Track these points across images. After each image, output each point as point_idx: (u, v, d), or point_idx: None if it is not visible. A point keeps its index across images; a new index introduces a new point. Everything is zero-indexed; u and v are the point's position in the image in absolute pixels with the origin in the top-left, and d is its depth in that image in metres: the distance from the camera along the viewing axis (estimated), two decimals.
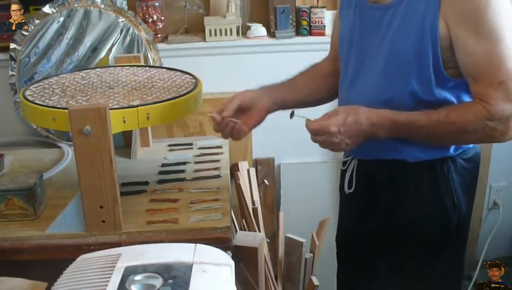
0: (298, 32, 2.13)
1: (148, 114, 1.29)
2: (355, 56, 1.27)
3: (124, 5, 2.03)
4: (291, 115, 1.25)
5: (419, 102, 1.16)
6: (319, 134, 1.16)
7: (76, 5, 1.96)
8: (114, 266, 0.88)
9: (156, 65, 1.95)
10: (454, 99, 1.17)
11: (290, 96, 1.39)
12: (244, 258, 1.44)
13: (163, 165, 1.66)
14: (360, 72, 1.26)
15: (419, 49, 1.13)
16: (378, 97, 1.20)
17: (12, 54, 1.97)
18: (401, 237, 1.27)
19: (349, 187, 1.34)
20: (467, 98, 1.17)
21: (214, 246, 0.97)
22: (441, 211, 1.24)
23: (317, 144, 1.20)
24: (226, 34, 2.07)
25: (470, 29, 1.08)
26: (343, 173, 1.38)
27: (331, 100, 1.46)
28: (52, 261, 1.10)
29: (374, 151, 1.23)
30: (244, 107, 1.32)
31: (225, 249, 1.13)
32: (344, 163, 1.37)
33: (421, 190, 1.24)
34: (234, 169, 2.10)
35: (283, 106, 1.38)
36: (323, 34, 2.10)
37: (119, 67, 1.65)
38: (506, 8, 1.08)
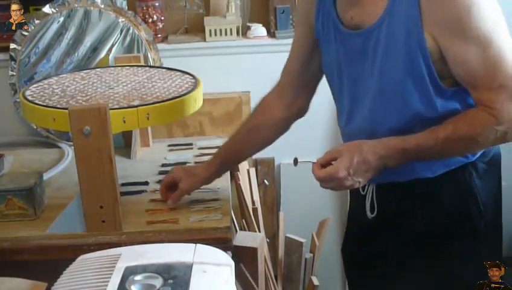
0: None
1: (148, 114, 1.29)
2: (348, 88, 1.22)
3: (124, 5, 2.03)
4: (295, 162, 1.23)
5: (425, 121, 1.11)
6: (328, 181, 1.11)
7: (76, 5, 1.96)
8: (114, 266, 0.88)
9: (155, 65, 1.95)
10: (458, 106, 1.12)
11: (236, 158, 1.49)
12: (244, 258, 1.44)
13: (163, 165, 1.66)
14: (356, 104, 1.20)
15: (411, 68, 1.08)
16: (381, 126, 1.15)
17: (12, 54, 1.97)
18: (429, 252, 1.22)
19: (372, 212, 1.27)
20: (472, 101, 1.13)
21: (214, 246, 0.97)
22: (466, 222, 1.20)
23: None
24: (226, 34, 2.07)
25: (458, 38, 1.04)
26: (360, 199, 1.30)
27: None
28: (52, 261, 1.11)
29: (389, 176, 1.16)
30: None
31: (225, 249, 1.13)
32: (362, 188, 1.28)
33: (444, 203, 1.19)
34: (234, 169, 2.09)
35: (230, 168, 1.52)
36: None
37: (119, 68, 1.65)
38: (489, 10, 1.03)
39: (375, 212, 1.26)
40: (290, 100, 1.37)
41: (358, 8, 1.14)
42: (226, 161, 1.43)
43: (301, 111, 1.40)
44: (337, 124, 1.33)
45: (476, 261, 1.16)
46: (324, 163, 1.12)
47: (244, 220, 1.97)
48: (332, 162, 1.10)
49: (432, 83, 1.09)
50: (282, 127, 1.41)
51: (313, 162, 1.14)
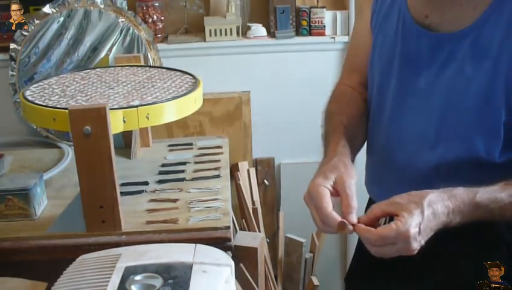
0: (298, 33, 2.13)
1: (148, 114, 1.29)
2: (394, 84, 1.06)
3: (124, 5, 2.03)
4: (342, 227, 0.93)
5: (477, 165, 0.96)
6: (392, 243, 0.85)
7: (76, 5, 1.96)
8: (114, 266, 0.88)
9: (155, 65, 1.95)
10: None
11: (352, 152, 1.07)
12: (244, 258, 1.44)
13: (163, 165, 1.66)
14: (402, 107, 1.04)
15: (488, 95, 0.93)
16: (426, 151, 1.00)
17: (13, 54, 1.97)
18: None
19: None
20: None
21: (214, 246, 0.97)
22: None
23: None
24: (226, 34, 2.07)
25: None
26: None
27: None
28: (52, 261, 1.10)
29: None
30: None
31: (225, 249, 1.13)
32: None
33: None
34: (234, 169, 2.10)
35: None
36: (323, 34, 2.10)
37: (119, 68, 1.65)
38: None
39: None
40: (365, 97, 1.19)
41: (441, 10, 0.99)
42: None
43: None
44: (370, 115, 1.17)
45: None
46: (373, 221, 0.89)
47: (244, 220, 1.98)
48: (396, 218, 0.86)
49: (507, 124, 0.94)
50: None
51: (355, 224, 0.89)
